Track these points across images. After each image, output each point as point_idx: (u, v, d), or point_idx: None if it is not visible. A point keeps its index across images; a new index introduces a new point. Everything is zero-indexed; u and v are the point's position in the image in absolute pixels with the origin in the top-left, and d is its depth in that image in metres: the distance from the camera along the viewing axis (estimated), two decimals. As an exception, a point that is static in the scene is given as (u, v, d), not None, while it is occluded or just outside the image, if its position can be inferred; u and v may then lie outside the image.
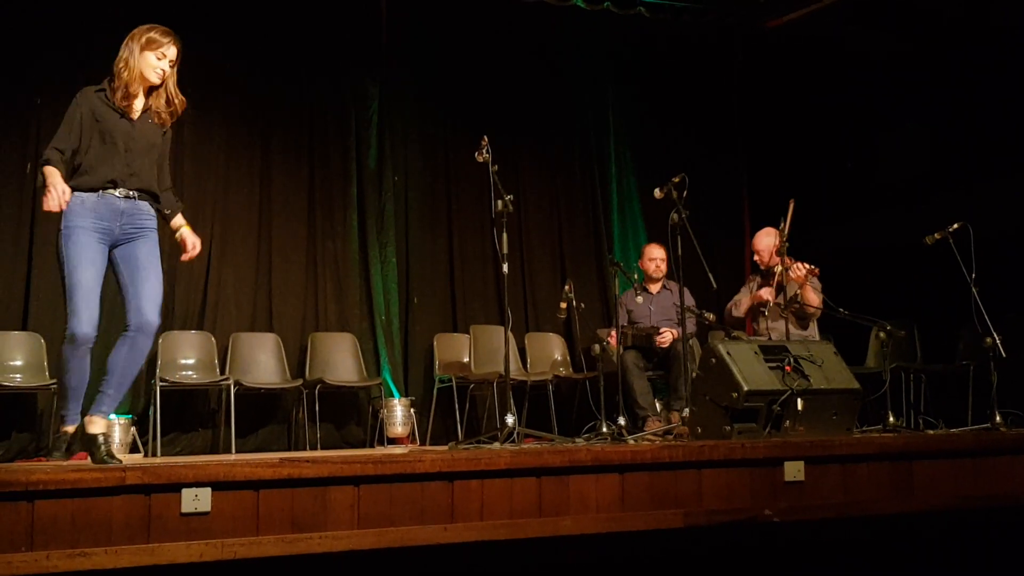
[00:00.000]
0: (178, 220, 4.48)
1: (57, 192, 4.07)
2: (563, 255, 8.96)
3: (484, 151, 5.45)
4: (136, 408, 7.31)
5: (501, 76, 8.82)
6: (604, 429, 5.79)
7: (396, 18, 8.56)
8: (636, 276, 7.49)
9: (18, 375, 6.96)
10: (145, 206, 4.31)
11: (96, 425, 4.16)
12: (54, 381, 6.81)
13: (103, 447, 4.06)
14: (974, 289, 5.95)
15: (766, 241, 6.98)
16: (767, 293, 6.82)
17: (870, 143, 8.75)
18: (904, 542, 4.57)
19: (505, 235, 5.41)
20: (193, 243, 4.45)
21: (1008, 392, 6.03)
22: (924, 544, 4.60)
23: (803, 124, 9.07)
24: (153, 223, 4.34)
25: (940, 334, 7.94)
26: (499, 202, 5.38)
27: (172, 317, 7.57)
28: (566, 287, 6.50)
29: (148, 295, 4.25)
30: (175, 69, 4.42)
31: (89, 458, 4.07)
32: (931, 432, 5.76)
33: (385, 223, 8.32)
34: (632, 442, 5.44)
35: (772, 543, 4.34)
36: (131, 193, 4.25)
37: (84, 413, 4.30)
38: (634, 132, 9.37)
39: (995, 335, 5.94)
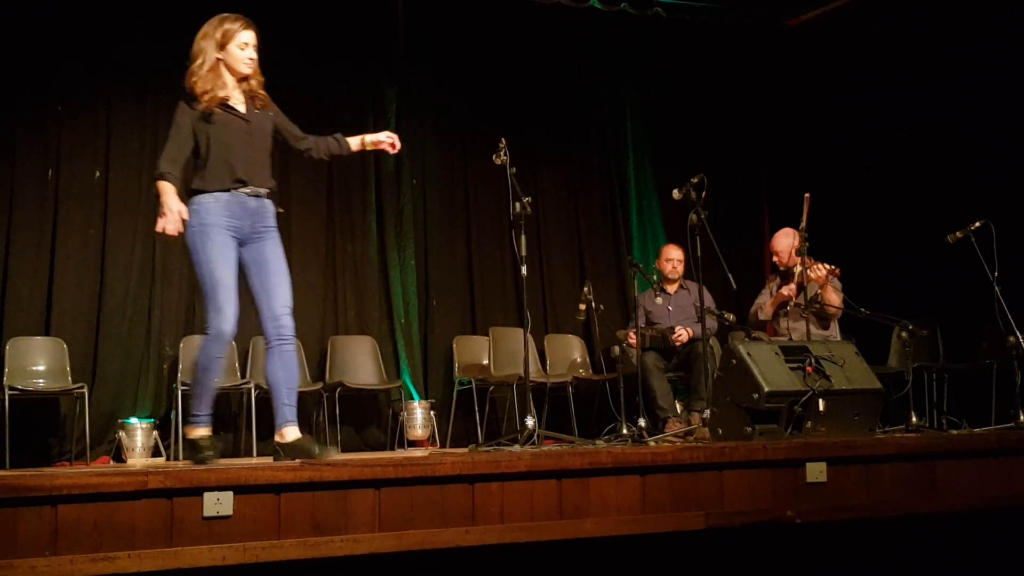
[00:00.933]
0: (354, 141, 4.62)
1: (173, 215, 4.13)
2: (582, 256, 8.96)
3: (502, 153, 5.45)
4: (158, 412, 7.36)
5: (518, 78, 8.82)
6: (624, 431, 5.78)
7: (413, 20, 8.57)
8: (655, 277, 7.48)
9: (41, 380, 7.00)
10: (270, 204, 4.35)
11: (292, 432, 4.25)
12: (77, 386, 6.87)
13: (316, 447, 4.15)
14: (997, 288, 5.91)
15: (785, 242, 6.95)
16: (788, 290, 6.79)
17: (891, 141, 8.70)
18: (928, 543, 4.54)
19: (523, 237, 5.40)
20: (388, 135, 4.62)
21: (1032, 391, 5.99)
22: (948, 545, 4.56)
23: (823, 122, 9.03)
24: (274, 221, 4.37)
25: (963, 333, 7.89)
26: (517, 204, 5.37)
27: (193, 321, 7.62)
28: (585, 288, 6.49)
29: (280, 300, 4.30)
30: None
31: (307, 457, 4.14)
32: (954, 432, 5.72)
33: (404, 226, 8.34)
34: (653, 444, 5.43)
35: (794, 545, 4.32)
36: (259, 191, 4.29)
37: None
38: (652, 132, 9.35)
39: (1018, 334, 5.90)
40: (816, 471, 4.23)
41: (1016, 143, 7.83)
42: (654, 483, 4.02)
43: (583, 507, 3.90)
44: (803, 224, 6.34)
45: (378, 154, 8.22)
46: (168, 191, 4.17)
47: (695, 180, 5.96)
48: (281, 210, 4.48)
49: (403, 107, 8.50)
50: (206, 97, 4.25)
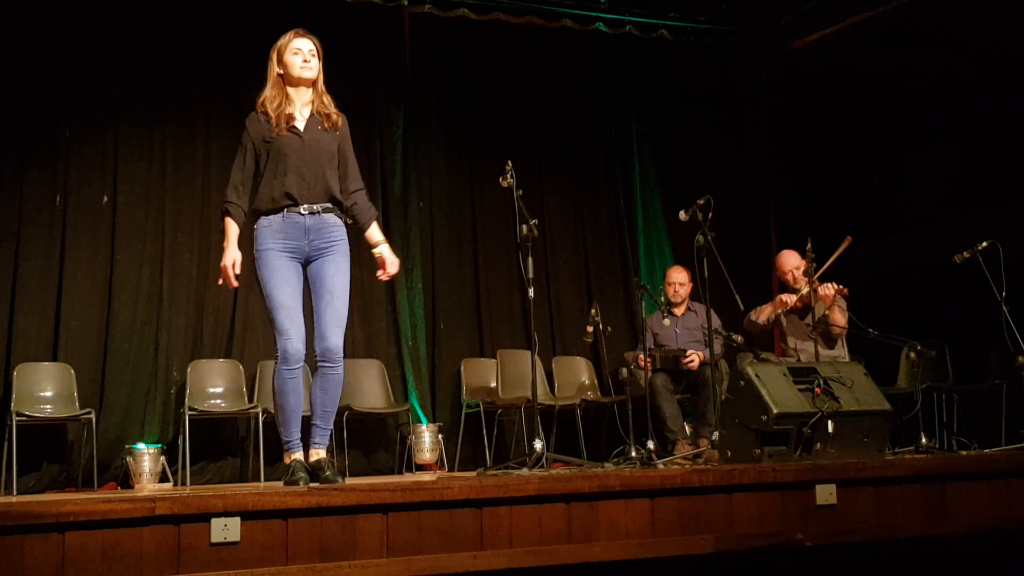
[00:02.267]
0: (374, 235, 4.53)
1: (228, 272, 4.25)
2: (589, 278, 8.95)
3: (508, 176, 5.45)
4: (165, 437, 7.35)
5: (525, 100, 8.86)
6: (633, 453, 5.76)
7: (420, 44, 8.62)
8: (662, 298, 7.47)
9: (48, 406, 7.00)
10: (331, 218, 4.34)
11: (315, 455, 4.30)
12: (84, 411, 6.87)
13: (327, 471, 4.18)
14: (1004, 307, 5.89)
15: (792, 261, 6.95)
16: (788, 297, 6.79)
17: (898, 161, 8.70)
18: (939, 565, 4.51)
19: (530, 259, 5.41)
20: (391, 262, 4.51)
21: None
22: (959, 567, 4.53)
23: (829, 143, 9.04)
24: (342, 234, 4.37)
25: (971, 353, 7.86)
26: (524, 226, 5.38)
27: (200, 346, 7.62)
28: (592, 310, 6.49)
29: (330, 318, 4.30)
30: (322, 63, 4.45)
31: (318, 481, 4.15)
32: (964, 453, 5.70)
33: (411, 249, 8.33)
34: (662, 466, 5.41)
35: (805, 568, 4.30)
36: (315, 208, 4.29)
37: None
38: (659, 154, 9.36)
39: (1027, 354, 5.89)
40: (826, 493, 4.21)
41: (1022, 162, 7.82)
42: (663, 506, 4.00)
43: (592, 531, 3.88)
44: (831, 261, 6.36)
45: (385, 176, 8.39)
46: (230, 235, 4.28)
47: (701, 201, 5.97)
48: (350, 220, 4.47)
49: (410, 130, 8.51)
50: (271, 111, 4.31)
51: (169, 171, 7.77)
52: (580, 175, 9.12)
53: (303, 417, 4.42)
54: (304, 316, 4.35)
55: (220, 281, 4.34)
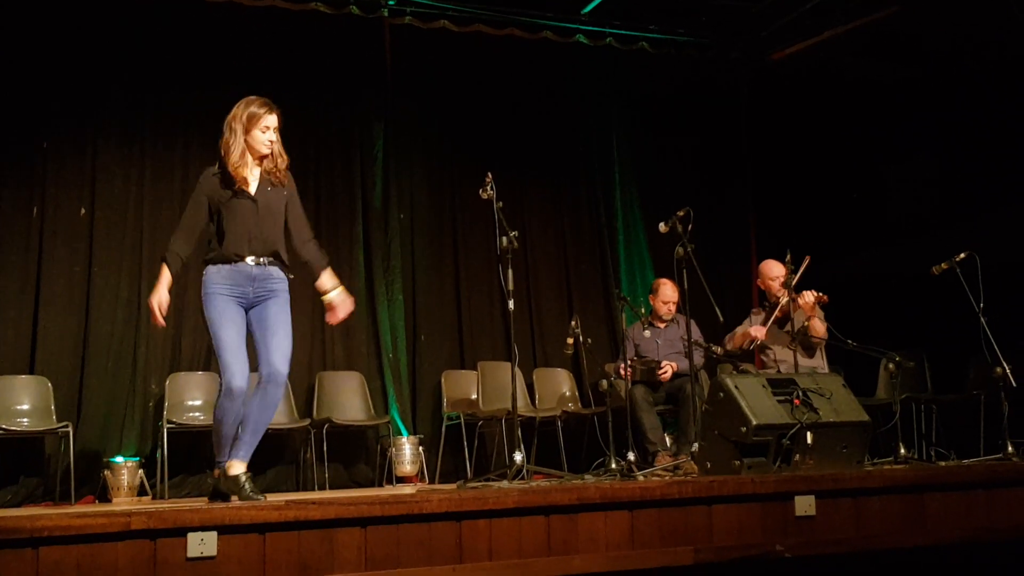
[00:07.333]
0: (327, 282, 4.78)
1: (153, 310, 4.54)
2: (570, 290, 8.95)
3: (488, 188, 5.47)
4: (144, 450, 7.30)
5: (506, 112, 8.87)
6: (613, 465, 5.76)
7: (400, 56, 8.62)
8: (643, 310, 7.46)
9: (25, 419, 6.95)
10: (275, 270, 4.61)
11: (236, 468, 4.45)
12: (61, 425, 6.83)
13: (247, 485, 4.35)
14: (982, 319, 5.92)
15: (776, 270, 6.97)
16: (757, 332, 6.80)
17: (878, 173, 8.74)
18: (918, 576, 4.52)
19: (511, 271, 5.41)
20: (343, 307, 4.78)
21: (1020, 422, 5.99)
22: (938, 578, 4.54)
23: (810, 155, 9.07)
24: (283, 285, 4.64)
25: (950, 364, 7.89)
26: (504, 238, 5.39)
27: (179, 359, 7.58)
28: (573, 322, 6.48)
29: (276, 347, 4.53)
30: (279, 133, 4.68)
31: (236, 496, 4.32)
32: (943, 464, 5.72)
33: (391, 261, 8.33)
34: (642, 478, 5.40)
35: (784, 579, 4.30)
36: (261, 260, 4.55)
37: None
38: (639, 165, 9.38)
39: (1004, 365, 5.91)
40: (805, 504, 4.22)
41: (1000, 174, 7.87)
42: (643, 518, 4.00)
43: (571, 543, 3.88)
44: (795, 281, 6.37)
45: (365, 189, 8.38)
46: (162, 279, 4.56)
47: (681, 213, 5.99)
48: (291, 276, 4.70)
49: (391, 142, 8.51)
50: (239, 168, 4.53)
51: (148, 184, 7.75)
52: (561, 186, 9.13)
53: None
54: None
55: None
